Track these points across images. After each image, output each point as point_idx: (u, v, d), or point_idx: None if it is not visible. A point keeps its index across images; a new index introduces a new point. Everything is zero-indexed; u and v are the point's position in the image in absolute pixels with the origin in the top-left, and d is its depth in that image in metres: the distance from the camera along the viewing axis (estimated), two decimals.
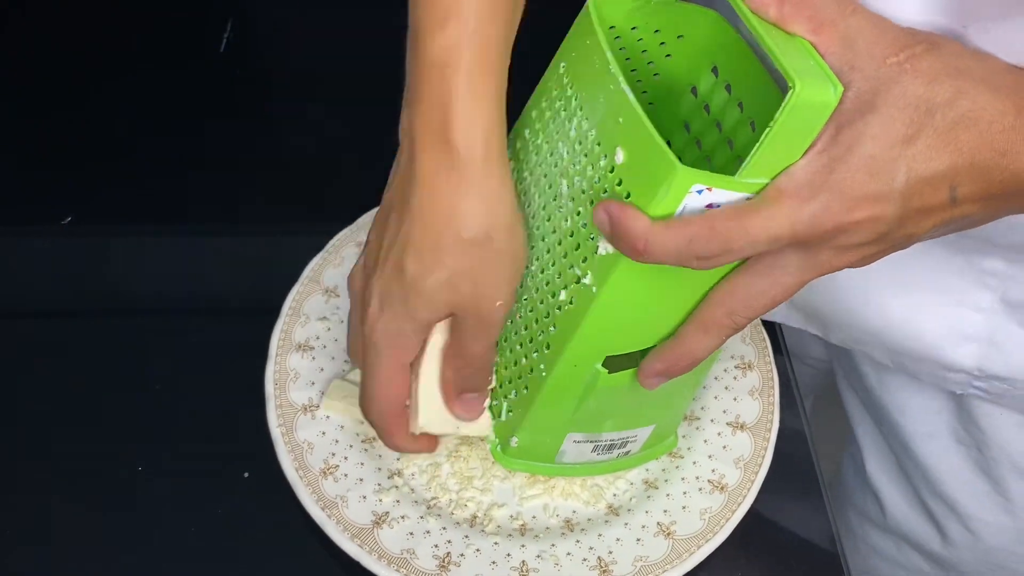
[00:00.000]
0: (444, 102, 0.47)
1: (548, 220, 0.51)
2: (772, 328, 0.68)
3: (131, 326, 0.69)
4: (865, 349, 0.68)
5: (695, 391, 0.60)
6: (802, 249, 0.43)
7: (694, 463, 0.61)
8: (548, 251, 0.51)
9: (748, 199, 0.43)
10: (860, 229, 0.42)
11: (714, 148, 0.54)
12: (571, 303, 0.49)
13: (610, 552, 0.57)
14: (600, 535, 0.58)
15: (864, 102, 0.41)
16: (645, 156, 0.43)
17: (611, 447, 0.57)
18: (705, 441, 0.62)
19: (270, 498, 0.59)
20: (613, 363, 0.51)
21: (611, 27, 0.51)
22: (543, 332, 0.51)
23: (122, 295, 0.71)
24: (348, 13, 0.91)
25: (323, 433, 0.60)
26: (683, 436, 0.62)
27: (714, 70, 0.52)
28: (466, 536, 0.57)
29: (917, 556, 0.78)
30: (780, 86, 0.48)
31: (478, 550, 0.56)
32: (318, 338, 0.65)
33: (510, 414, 0.55)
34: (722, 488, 0.60)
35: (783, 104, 0.40)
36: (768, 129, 0.41)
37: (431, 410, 0.55)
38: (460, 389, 0.55)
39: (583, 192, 0.48)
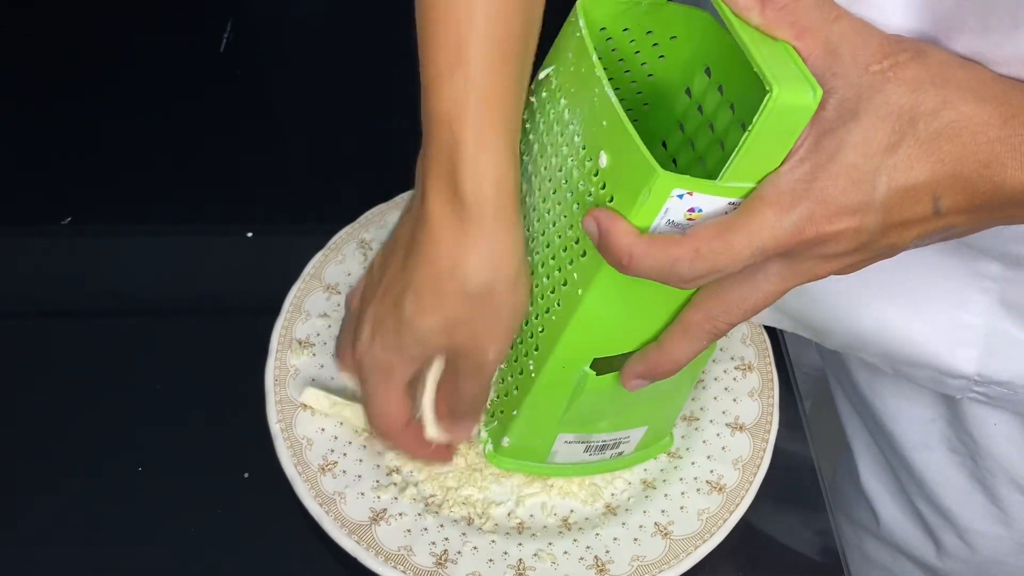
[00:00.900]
0: (452, 154, 0.47)
1: (538, 222, 0.51)
2: (773, 330, 0.68)
3: (131, 326, 0.69)
4: (861, 354, 0.67)
5: (688, 394, 0.60)
6: (785, 257, 0.43)
7: (693, 463, 0.61)
8: (537, 253, 0.51)
9: (730, 203, 0.42)
10: (841, 239, 0.42)
11: (707, 149, 0.54)
12: (558, 305, 0.49)
13: (607, 551, 0.57)
14: (597, 534, 0.58)
15: (847, 110, 0.41)
16: (627, 160, 0.43)
17: (603, 448, 0.57)
18: (704, 442, 0.62)
19: (270, 497, 0.59)
20: (601, 365, 0.51)
21: (602, 28, 0.51)
22: (532, 334, 0.52)
23: (122, 295, 0.71)
24: (348, 13, 0.91)
25: (322, 429, 0.60)
26: (682, 436, 0.62)
27: (707, 71, 0.52)
28: (463, 534, 0.57)
29: (912, 566, 0.77)
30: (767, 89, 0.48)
31: (475, 548, 0.56)
32: (318, 335, 0.65)
33: (502, 415, 0.56)
34: (720, 489, 0.60)
35: (761, 108, 0.40)
36: (746, 133, 0.40)
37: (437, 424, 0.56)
38: (455, 425, 0.56)
39: (570, 195, 0.48)
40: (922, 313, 0.61)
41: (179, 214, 0.75)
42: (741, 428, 0.62)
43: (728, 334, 0.54)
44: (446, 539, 0.56)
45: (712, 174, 0.42)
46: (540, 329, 0.51)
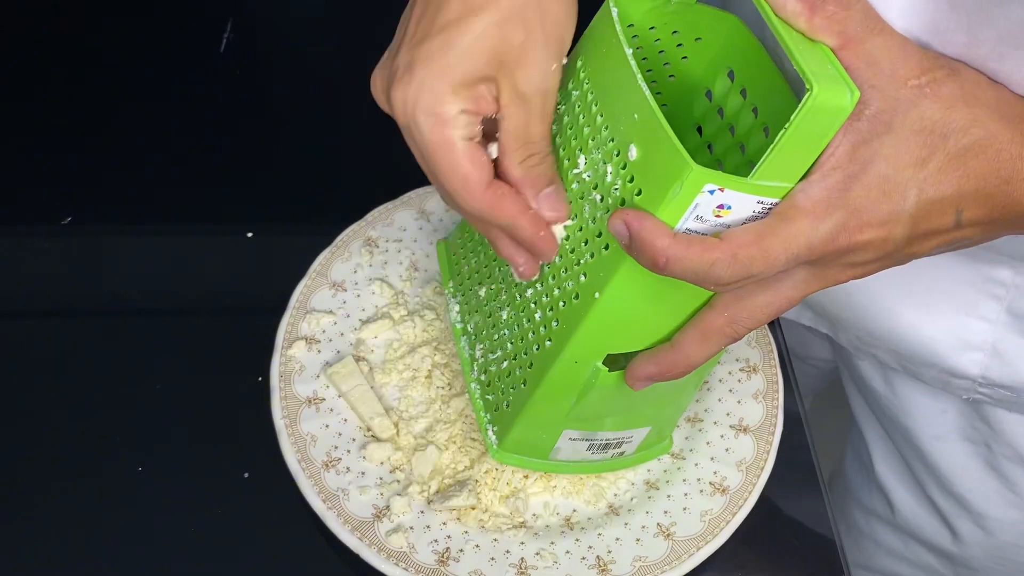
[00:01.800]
0: None
1: None
2: (776, 332, 0.68)
3: (131, 326, 0.69)
4: (872, 351, 0.68)
5: (693, 395, 0.60)
6: (812, 264, 0.44)
7: (696, 465, 0.61)
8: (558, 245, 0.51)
9: (758, 201, 0.43)
10: (870, 248, 0.43)
11: (726, 152, 0.54)
12: (575, 299, 0.49)
13: (609, 551, 0.57)
14: (600, 534, 0.58)
15: (881, 122, 0.41)
16: (659, 154, 0.43)
17: (606, 447, 0.57)
18: (707, 443, 0.62)
19: (271, 497, 0.59)
20: (614, 361, 0.51)
21: (629, 25, 0.51)
22: (545, 326, 0.51)
23: (122, 295, 0.70)
24: (348, 12, 0.91)
25: (326, 426, 0.60)
26: (685, 438, 0.62)
27: (730, 74, 0.52)
28: (465, 532, 0.57)
29: (926, 553, 0.78)
30: (797, 93, 0.48)
31: (477, 546, 0.56)
32: (324, 332, 0.65)
33: (508, 408, 0.55)
34: (723, 490, 0.60)
35: (800, 106, 0.40)
36: (783, 131, 0.41)
37: None
38: (534, 185, 0.48)
39: (594, 188, 0.48)
40: (932, 315, 0.62)
41: (179, 214, 0.75)
42: (745, 430, 0.62)
43: None
44: (448, 537, 0.57)
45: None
46: (554, 322, 0.51)
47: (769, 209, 0.43)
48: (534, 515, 0.59)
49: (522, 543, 0.57)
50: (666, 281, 0.45)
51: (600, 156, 0.47)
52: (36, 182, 0.77)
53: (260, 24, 0.92)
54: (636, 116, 0.45)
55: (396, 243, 0.70)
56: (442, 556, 0.56)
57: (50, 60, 0.86)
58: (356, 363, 0.62)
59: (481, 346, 0.57)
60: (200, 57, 0.87)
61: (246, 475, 0.61)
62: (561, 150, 0.51)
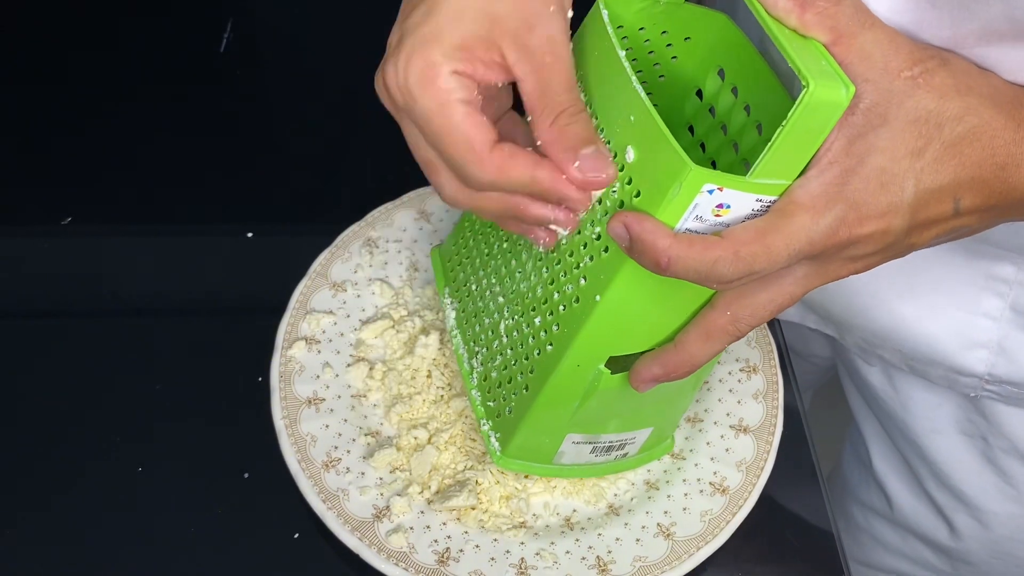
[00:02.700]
0: None
1: None
2: (776, 332, 0.68)
3: (131, 326, 0.69)
4: (878, 352, 0.69)
5: (694, 395, 0.60)
6: (813, 260, 0.44)
7: (696, 465, 0.61)
8: (554, 248, 0.51)
9: (757, 199, 0.43)
10: (870, 240, 0.43)
11: (719, 150, 0.54)
12: (575, 302, 0.49)
13: (609, 551, 0.57)
14: (600, 534, 0.58)
15: (876, 115, 0.42)
16: (656, 155, 0.43)
17: (609, 449, 0.57)
18: (707, 443, 0.62)
19: (271, 497, 0.59)
20: (616, 364, 0.51)
21: (619, 26, 0.51)
22: (546, 331, 0.51)
23: (122, 295, 0.70)
24: (348, 12, 0.91)
25: (326, 426, 0.60)
26: (685, 438, 0.62)
27: (720, 73, 0.52)
28: (465, 532, 0.57)
29: (924, 548, 0.78)
30: (788, 90, 0.48)
31: (477, 546, 0.56)
32: (324, 332, 0.65)
33: (510, 414, 0.55)
34: (723, 491, 0.60)
35: (797, 103, 0.40)
36: (781, 128, 0.41)
37: None
38: (570, 146, 0.45)
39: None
40: (936, 313, 0.63)
41: (179, 214, 0.75)
42: (745, 430, 0.62)
43: None
44: (448, 537, 0.57)
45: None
46: (555, 327, 0.51)
47: (767, 207, 0.43)
48: (534, 515, 0.59)
49: (522, 543, 0.57)
50: (667, 282, 0.45)
51: None
52: (36, 182, 0.77)
53: (260, 24, 0.93)
54: (632, 118, 0.45)
55: (396, 243, 0.70)
56: (442, 556, 0.56)
57: (50, 60, 0.86)
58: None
59: (480, 353, 0.57)
60: (200, 57, 0.87)
61: (246, 475, 0.61)
62: None
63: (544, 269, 0.52)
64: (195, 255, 0.74)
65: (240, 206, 0.76)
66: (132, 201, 0.76)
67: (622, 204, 0.45)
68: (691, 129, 0.55)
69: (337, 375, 0.63)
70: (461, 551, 0.56)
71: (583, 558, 0.56)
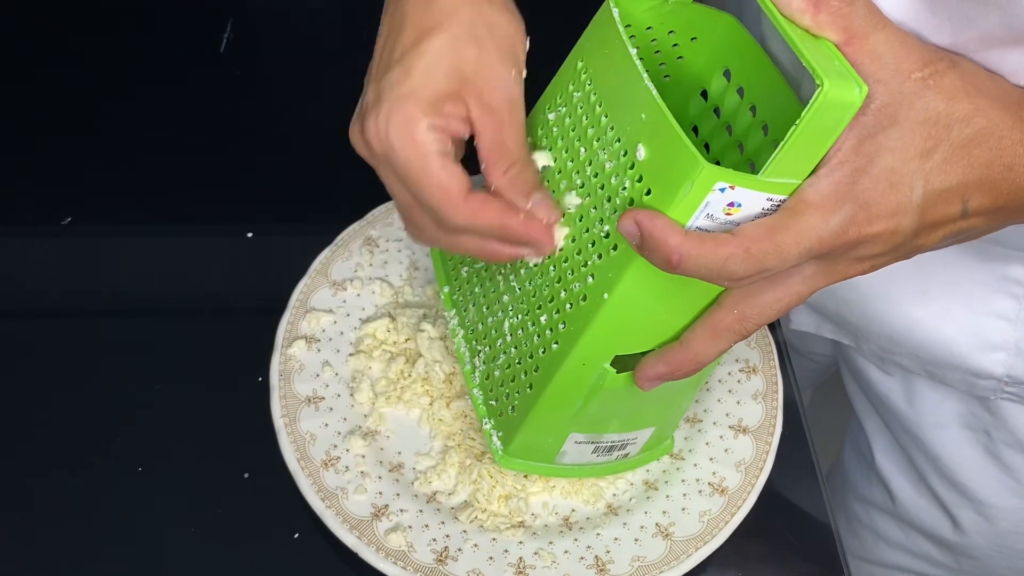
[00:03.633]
0: None
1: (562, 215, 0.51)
2: (776, 333, 0.68)
3: (131, 326, 0.69)
4: (896, 359, 0.69)
5: (695, 395, 0.60)
6: (821, 259, 0.44)
7: (695, 465, 0.61)
8: (560, 246, 0.51)
9: (768, 198, 0.43)
10: (879, 240, 0.43)
11: (723, 151, 0.54)
12: (583, 300, 0.49)
13: (608, 551, 0.57)
14: (598, 534, 0.58)
15: (887, 115, 0.42)
16: (668, 153, 0.43)
17: (611, 449, 0.57)
18: (707, 444, 0.62)
19: (270, 496, 0.59)
20: (620, 363, 0.51)
21: (627, 25, 0.51)
22: (552, 329, 0.51)
23: (122, 295, 0.71)
24: (348, 12, 0.92)
25: (325, 425, 0.60)
26: (685, 438, 0.62)
27: (726, 73, 0.52)
28: (464, 531, 0.57)
29: (927, 543, 0.78)
30: (795, 90, 0.48)
31: (476, 545, 0.56)
32: (324, 331, 0.65)
33: (512, 412, 0.55)
34: (722, 491, 0.60)
35: (811, 102, 0.40)
36: (794, 127, 0.41)
37: None
38: (521, 192, 0.50)
39: (600, 189, 0.48)
40: (951, 315, 0.63)
41: (179, 214, 0.75)
42: (744, 430, 0.62)
43: None
44: (447, 536, 0.57)
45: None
46: (560, 325, 0.50)
47: (777, 206, 0.43)
48: (533, 515, 0.59)
49: (520, 542, 0.57)
50: (675, 280, 0.45)
51: (605, 156, 0.47)
52: (36, 182, 0.77)
53: (260, 24, 0.93)
54: (643, 116, 0.45)
55: (396, 243, 0.70)
56: (440, 555, 0.56)
57: (50, 60, 0.86)
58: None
59: (482, 352, 0.57)
60: (200, 57, 0.87)
61: (246, 475, 0.61)
62: (564, 151, 0.51)
63: (551, 267, 0.51)
64: (195, 255, 0.74)
65: (240, 206, 0.76)
66: (132, 201, 0.76)
67: (632, 202, 0.45)
68: (695, 130, 0.55)
69: (337, 374, 0.63)
70: (459, 550, 0.56)
71: (581, 558, 0.56)
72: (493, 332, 0.56)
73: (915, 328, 0.65)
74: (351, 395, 0.62)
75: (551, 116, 0.52)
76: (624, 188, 0.46)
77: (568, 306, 0.50)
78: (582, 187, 0.49)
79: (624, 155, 0.46)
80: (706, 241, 0.42)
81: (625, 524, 0.58)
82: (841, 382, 0.81)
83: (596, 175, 0.48)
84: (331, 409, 0.61)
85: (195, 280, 0.72)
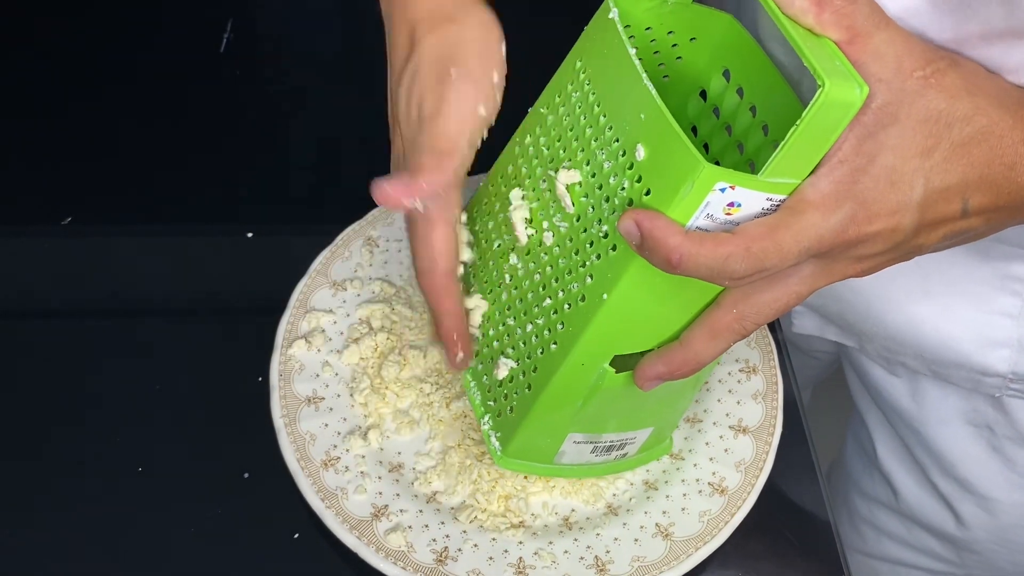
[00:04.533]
0: None
1: (561, 218, 0.51)
2: (775, 333, 0.68)
3: (131, 326, 0.69)
4: (901, 359, 0.69)
5: (693, 396, 0.60)
6: (820, 258, 0.44)
7: (695, 465, 0.61)
8: (558, 246, 0.51)
9: (768, 198, 0.43)
10: (879, 239, 0.43)
11: (723, 151, 0.54)
12: (581, 301, 0.49)
13: (607, 551, 0.57)
14: (598, 534, 0.58)
15: (888, 114, 0.42)
16: (668, 153, 0.43)
17: (610, 448, 0.57)
18: (707, 444, 0.62)
19: (270, 496, 0.59)
20: (620, 362, 0.51)
21: (626, 25, 0.51)
22: (551, 329, 0.51)
23: (122, 295, 0.71)
24: (348, 12, 0.92)
25: (325, 425, 0.61)
26: (684, 438, 0.62)
27: (725, 74, 0.52)
28: (464, 531, 0.57)
29: (930, 537, 0.78)
30: (796, 90, 0.48)
31: (476, 545, 0.56)
32: (323, 331, 0.65)
33: (511, 413, 0.55)
34: (722, 491, 0.60)
35: (812, 102, 0.40)
36: (794, 128, 0.41)
37: None
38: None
39: (598, 189, 0.48)
40: (953, 314, 0.63)
41: (179, 214, 0.75)
42: (744, 430, 0.62)
43: None
44: (447, 536, 0.57)
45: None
46: (559, 325, 0.50)
47: (777, 206, 0.43)
48: (533, 515, 0.59)
49: (520, 543, 0.57)
50: (674, 280, 0.45)
51: (604, 156, 0.47)
52: (36, 182, 0.77)
53: (260, 24, 0.93)
54: (642, 116, 0.45)
55: (397, 243, 0.70)
56: (440, 555, 0.56)
57: (50, 60, 0.86)
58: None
59: (481, 352, 0.57)
60: (200, 57, 0.87)
61: (246, 475, 0.61)
62: (561, 151, 0.51)
63: (549, 267, 0.51)
64: (195, 255, 0.74)
65: (240, 206, 0.76)
66: (132, 201, 0.76)
67: (631, 202, 0.45)
68: (694, 130, 0.55)
69: (337, 374, 0.63)
70: (459, 550, 0.56)
71: (581, 558, 0.56)
72: (491, 333, 0.56)
73: (918, 328, 0.65)
74: (351, 395, 0.62)
75: (550, 117, 0.52)
76: (623, 188, 0.46)
77: (567, 307, 0.50)
78: (580, 186, 0.49)
79: (623, 155, 0.46)
80: (706, 240, 0.42)
81: (625, 524, 0.58)
82: (842, 379, 0.81)
83: (594, 175, 0.48)
84: (331, 409, 0.61)
85: (195, 280, 0.72)
